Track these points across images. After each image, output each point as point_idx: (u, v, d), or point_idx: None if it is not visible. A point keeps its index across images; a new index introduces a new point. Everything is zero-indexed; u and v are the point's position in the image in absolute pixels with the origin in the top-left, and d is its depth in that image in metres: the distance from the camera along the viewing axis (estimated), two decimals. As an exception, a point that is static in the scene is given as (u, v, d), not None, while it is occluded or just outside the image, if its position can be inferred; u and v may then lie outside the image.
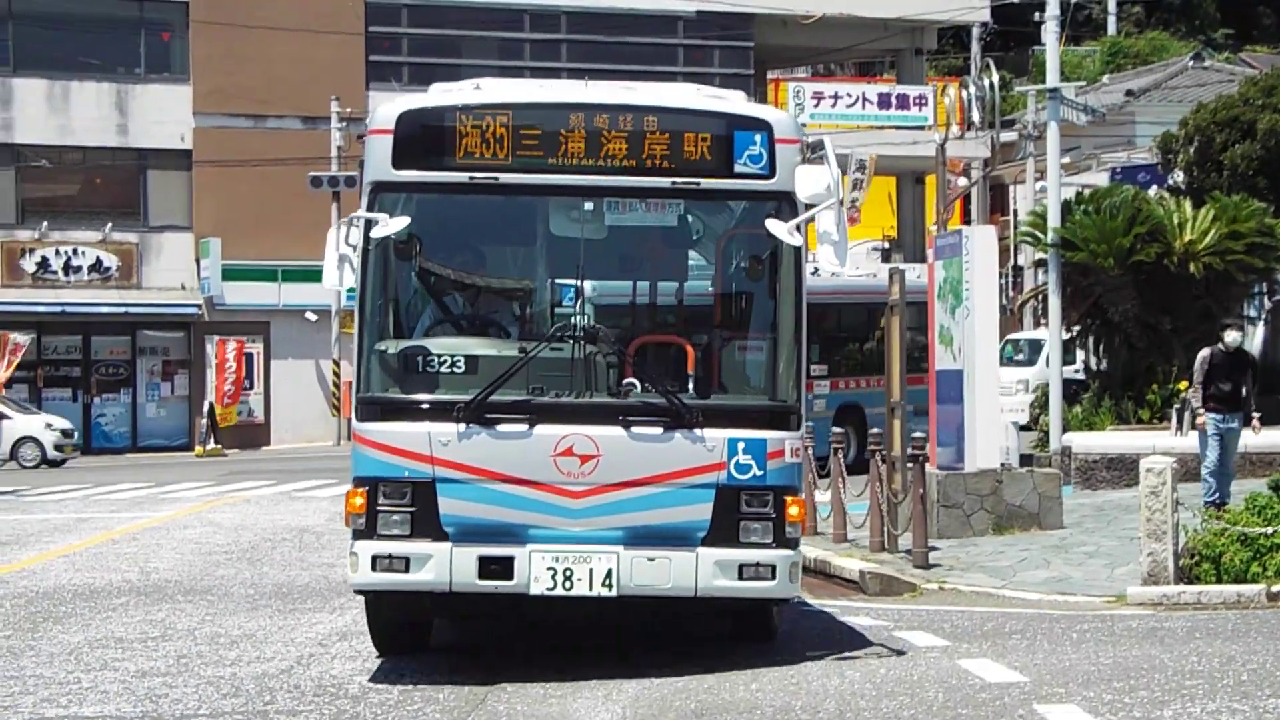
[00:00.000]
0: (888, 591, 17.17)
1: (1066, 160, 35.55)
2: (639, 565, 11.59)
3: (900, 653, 12.87)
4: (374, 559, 11.62)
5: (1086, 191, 30.34)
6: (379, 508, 11.61)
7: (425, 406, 11.68)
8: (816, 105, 51.15)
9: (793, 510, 11.78)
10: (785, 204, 11.90)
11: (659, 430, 11.59)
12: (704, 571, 11.61)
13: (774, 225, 11.71)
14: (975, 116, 37.87)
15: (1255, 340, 28.93)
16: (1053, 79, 27.63)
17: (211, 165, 48.10)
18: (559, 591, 11.56)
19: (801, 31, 52.35)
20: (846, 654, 12.87)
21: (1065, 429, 26.13)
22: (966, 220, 50.08)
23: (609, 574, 11.58)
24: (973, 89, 38.16)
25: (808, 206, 11.82)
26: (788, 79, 54.94)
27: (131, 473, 37.77)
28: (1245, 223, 26.29)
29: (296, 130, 49.65)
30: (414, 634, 12.89)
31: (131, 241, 48.65)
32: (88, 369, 48.76)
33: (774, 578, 11.69)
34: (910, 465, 18.43)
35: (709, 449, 11.62)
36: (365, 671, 12.42)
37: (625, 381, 11.78)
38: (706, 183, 11.89)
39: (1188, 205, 27.10)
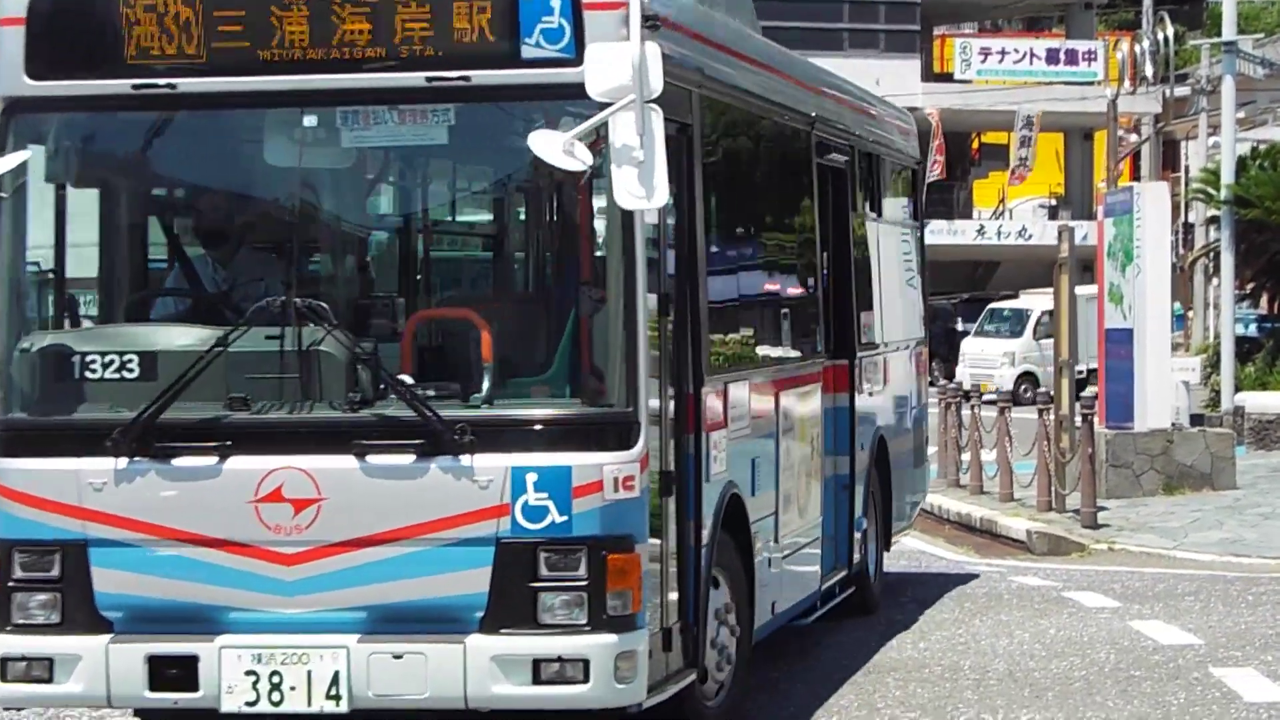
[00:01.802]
0: (1055, 551, 17.00)
1: (1241, 115, 34.86)
2: (381, 666, 7.71)
3: (1070, 613, 12.72)
4: (4, 663, 7.99)
5: (1262, 147, 29.80)
6: (12, 584, 8.00)
7: (72, 434, 7.99)
8: (984, 61, 50.65)
9: (622, 572, 7.65)
10: (599, 106, 7.45)
11: (409, 459, 7.69)
12: (476, 673, 7.65)
13: (542, 141, 7.43)
14: (1147, 71, 37.26)
15: None
16: (1229, 31, 27.04)
17: None
18: (264, 707, 7.80)
19: (969, -14, 51.79)
20: (1015, 614, 12.74)
21: (1237, 389, 25.68)
22: (1136, 177, 49.30)
23: (336, 680, 7.73)
24: (1145, 43, 37.56)
25: (604, 106, 7.37)
26: (954, 35, 54.41)
27: None
28: None
29: None
30: None
31: None
32: None
33: (587, 679, 7.62)
34: (1079, 424, 18.22)
35: (483, 485, 7.66)
36: None
37: (366, 386, 7.80)
38: (482, 76, 7.75)
39: (1368, 160, 26.48)
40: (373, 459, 7.72)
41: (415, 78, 7.80)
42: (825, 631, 11.89)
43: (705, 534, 8.54)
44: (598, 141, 7.47)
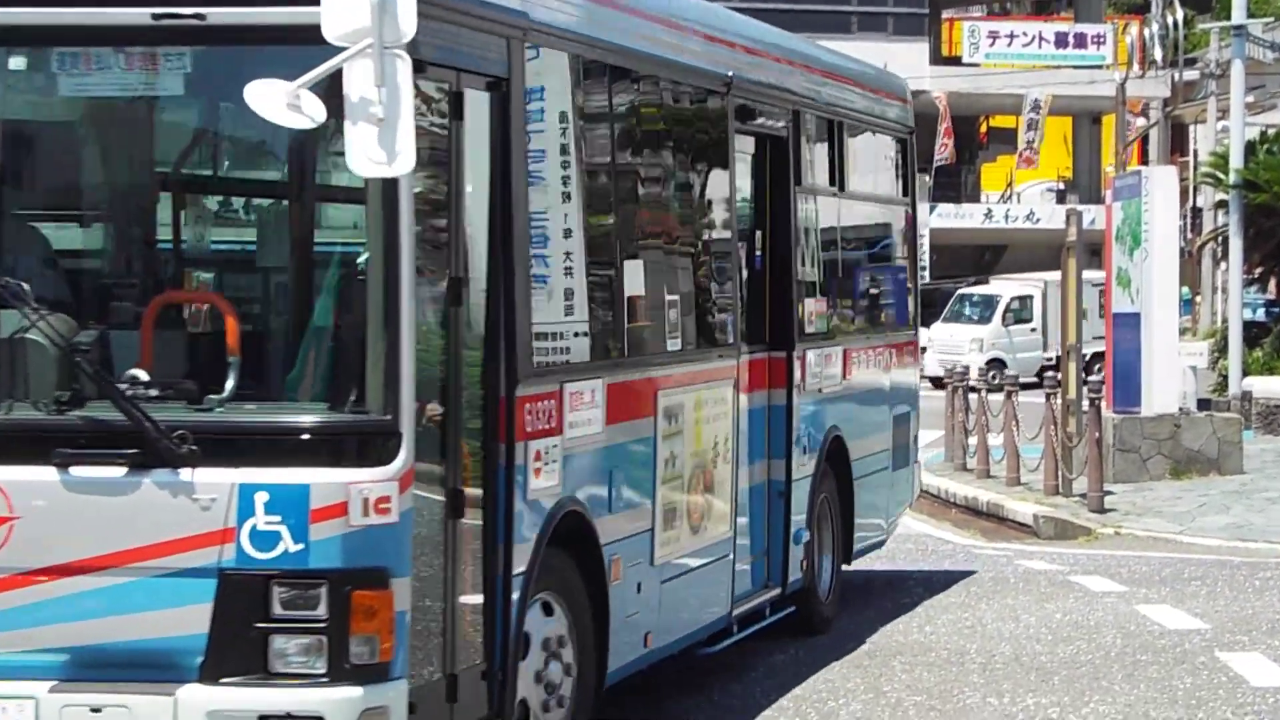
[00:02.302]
0: (1062, 536, 16.98)
1: (1250, 99, 34.75)
2: None
3: (1076, 597, 12.70)
4: None
5: (1271, 131, 29.76)
6: None
7: None
8: (992, 44, 50.58)
9: (370, 612, 6.37)
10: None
11: (119, 472, 6.41)
12: None
13: (261, 92, 6.16)
14: (1156, 55, 37.20)
15: None
16: (1238, 15, 26.97)
17: None
18: None
19: (978, -31, 51.69)
20: (1021, 598, 12.73)
21: (1245, 373, 25.66)
22: (1145, 161, 49.20)
23: None
24: (1154, 26, 37.48)
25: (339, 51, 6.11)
26: (963, 18, 54.32)
27: None
28: None
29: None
30: None
31: None
32: None
33: None
34: (1086, 408, 18.20)
35: (204, 505, 6.38)
36: None
37: (86, 384, 6.49)
38: (221, 14, 6.55)
39: (1377, 145, 26.44)
40: (77, 471, 6.40)
41: (140, 14, 6.50)
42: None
43: (523, 559, 7.22)
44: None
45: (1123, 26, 48.63)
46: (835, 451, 11.50)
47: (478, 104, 7.05)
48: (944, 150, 49.71)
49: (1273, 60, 31.39)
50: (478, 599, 7.03)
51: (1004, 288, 40.44)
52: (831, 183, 11.73)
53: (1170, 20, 37.06)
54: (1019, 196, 54.45)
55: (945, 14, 54.87)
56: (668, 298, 9.03)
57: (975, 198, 54.60)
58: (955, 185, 53.58)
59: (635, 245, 8.80)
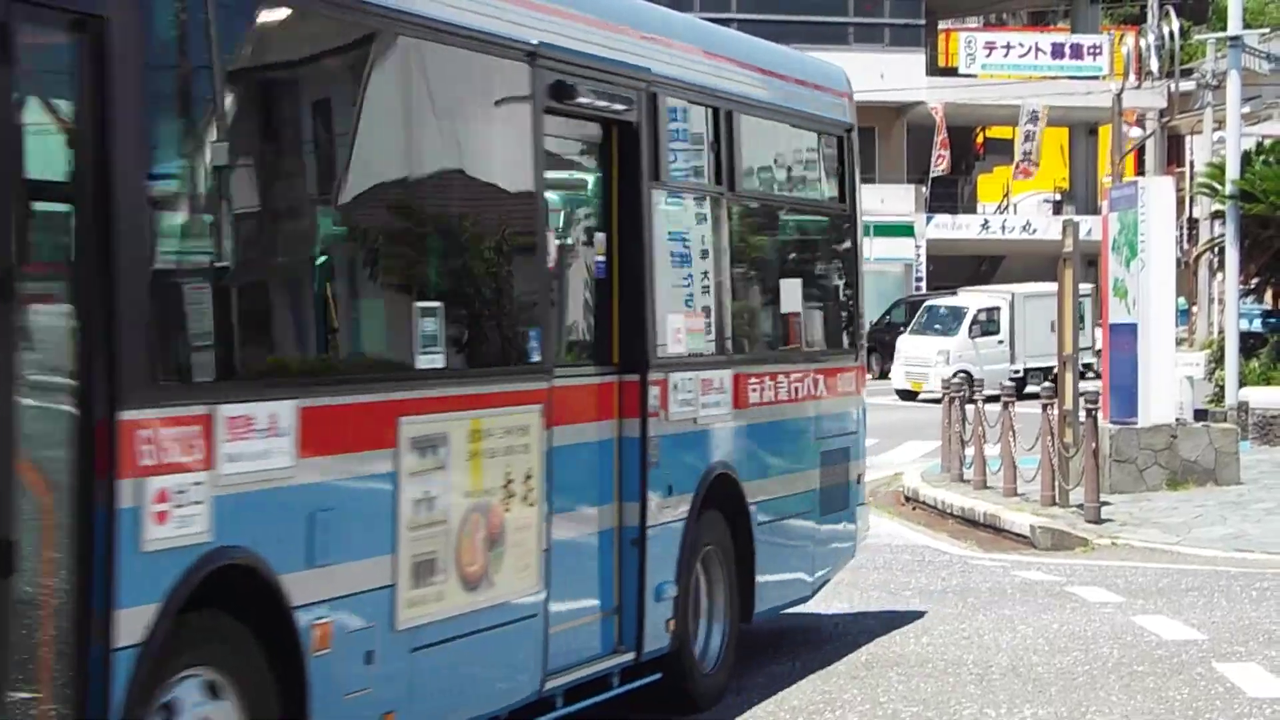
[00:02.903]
0: (1059, 546, 16.97)
1: (1247, 110, 34.78)
2: None
3: (1073, 608, 12.70)
4: None
5: (1267, 142, 29.78)
6: None
7: None
8: (988, 55, 50.67)
9: None
10: None
11: None
12: None
13: None
14: (1152, 65, 37.26)
15: None
16: (1234, 26, 27.01)
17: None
18: None
19: (974, -20, 51.78)
20: (1018, 608, 12.72)
21: (1241, 384, 25.66)
22: (1141, 172, 49.31)
23: None
24: (1150, 37, 37.55)
25: None
26: (959, 29, 54.42)
27: None
28: None
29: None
30: None
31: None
32: None
33: None
34: (1082, 419, 18.20)
35: None
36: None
37: None
38: None
39: (1373, 155, 26.47)
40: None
41: None
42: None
43: (138, 627, 5.67)
44: None
45: (1119, 37, 48.68)
46: (723, 493, 9.72)
47: (72, 51, 5.59)
48: (940, 161, 49.76)
49: (1269, 71, 31.41)
50: (64, 675, 5.54)
51: (971, 299, 40.09)
52: (717, 181, 9.96)
53: (1166, 31, 37.16)
54: (1016, 207, 54.51)
55: (942, 25, 55.00)
56: (420, 304, 7.34)
57: (972, 209, 54.67)
58: (952, 196, 53.65)
59: (346, 246, 7.14)
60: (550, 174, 8.42)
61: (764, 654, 10.62)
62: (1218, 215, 31.83)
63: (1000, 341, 38.36)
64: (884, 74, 48.21)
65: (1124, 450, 19.62)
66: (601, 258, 8.91)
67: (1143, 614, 12.35)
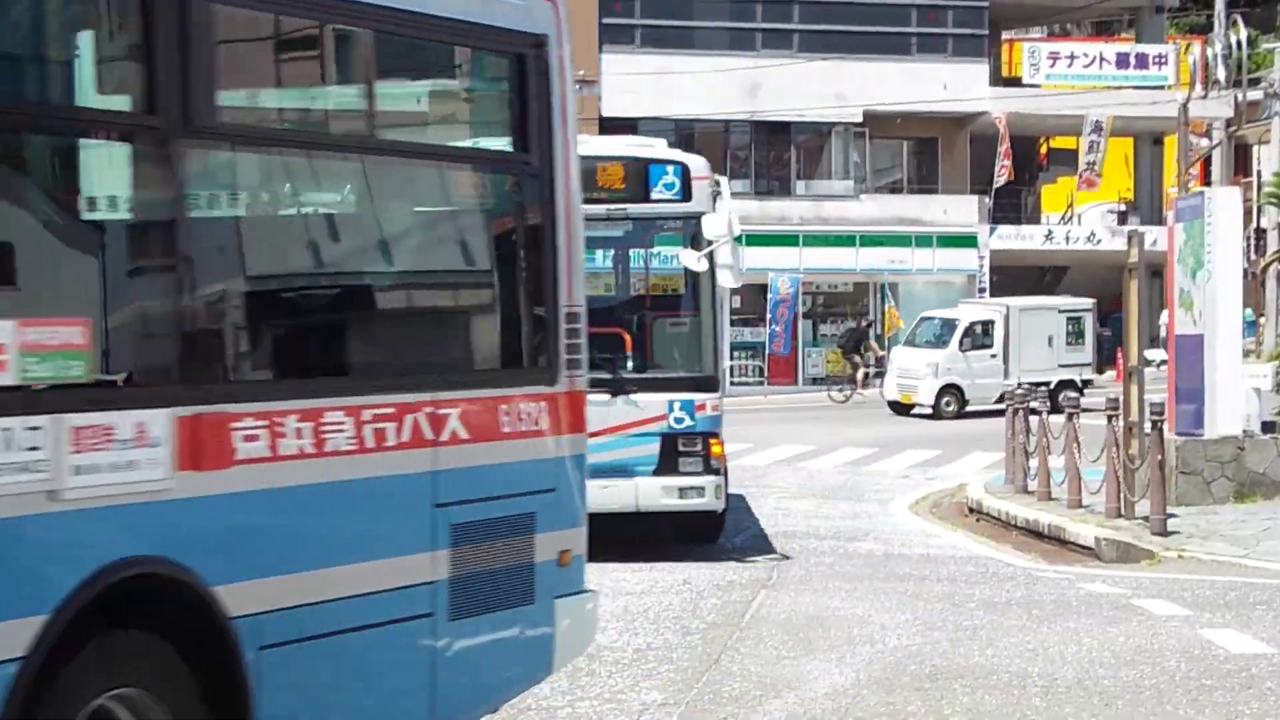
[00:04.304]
0: (1124, 559, 16.86)
1: (1314, 120, 34.54)
2: None
3: (1139, 621, 12.60)
4: None
5: (1335, 152, 29.48)
6: None
7: None
8: (1052, 65, 50.42)
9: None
10: None
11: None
12: None
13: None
14: (1219, 75, 37.00)
15: None
16: (1301, 35, 26.81)
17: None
18: None
19: (1038, -10, 51.55)
20: (1083, 621, 12.63)
21: (1310, 396, 25.45)
22: (1208, 182, 48.95)
23: None
24: (1217, 46, 37.29)
25: None
26: (1023, 39, 54.16)
27: None
28: None
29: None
30: None
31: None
32: None
33: None
34: (1148, 430, 18.08)
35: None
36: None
37: None
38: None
39: None
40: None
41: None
42: None
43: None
44: None
45: (1185, 47, 48.35)
46: (164, 605, 6.00)
47: None
48: (1004, 172, 49.53)
49: (1337, 80, 31.20)
50: None
51: (965, 312, 39.58)
52: (150, 110, 6.01)
53: (1234, 40, 36.91)
54: (1079, 218, 54.21)
55: (1005, 35, 54.72)
56: None
57: (1036, 219, 54.38)
58: (1015, 207, 53.37)
59: None
60: None
61: (824, 662, 10.57)
62: (1285, 226, 31.59)
63: (993, 355, 37.92)
64: (947, 84, 48.05)
65: (1190, 462, 19.49)
66: None
67: (1210, 627, 12.24)
